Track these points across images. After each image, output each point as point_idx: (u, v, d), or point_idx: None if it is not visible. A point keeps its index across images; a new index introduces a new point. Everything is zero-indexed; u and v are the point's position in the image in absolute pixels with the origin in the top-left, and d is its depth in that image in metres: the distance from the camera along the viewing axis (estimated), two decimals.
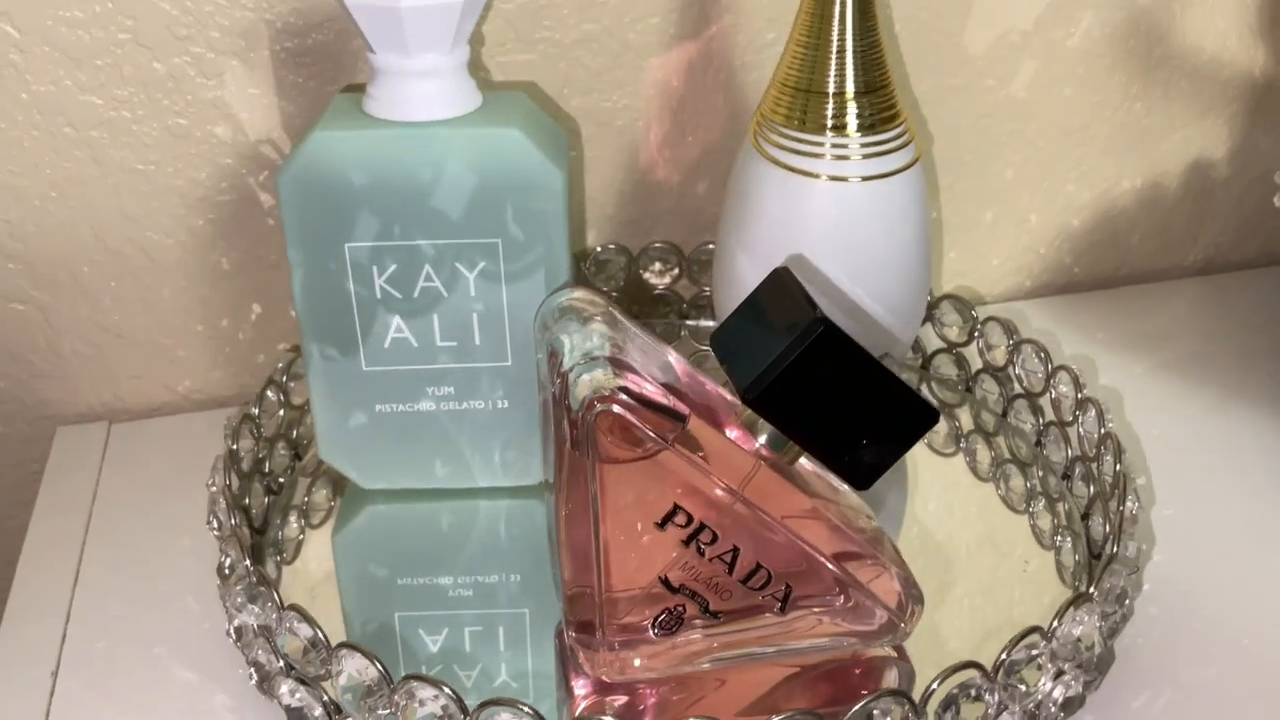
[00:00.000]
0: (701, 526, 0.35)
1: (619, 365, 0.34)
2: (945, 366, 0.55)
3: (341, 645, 0.35)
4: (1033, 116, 0.60)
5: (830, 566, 0.36)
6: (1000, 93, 0.59)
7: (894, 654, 0.40)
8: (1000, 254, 0.64)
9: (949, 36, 0.57)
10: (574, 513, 0.35)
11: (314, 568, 0.46)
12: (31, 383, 0.55)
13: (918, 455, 0.52)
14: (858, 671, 0.40)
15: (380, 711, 0.34)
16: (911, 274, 0.49)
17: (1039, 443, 0.50)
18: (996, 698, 0.35)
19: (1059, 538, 0.47)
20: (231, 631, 0.39)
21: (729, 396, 0.38)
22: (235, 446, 0.45)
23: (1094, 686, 0.37)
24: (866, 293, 0.48)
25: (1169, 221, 0.66)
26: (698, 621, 0.37)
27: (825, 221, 0.47)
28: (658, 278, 0.58)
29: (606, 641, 0.36)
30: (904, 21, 0.56)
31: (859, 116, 0.46)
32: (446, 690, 0.34)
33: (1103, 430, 0.44)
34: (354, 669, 0.34)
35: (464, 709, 0.33)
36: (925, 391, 0.55)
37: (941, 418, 0.53)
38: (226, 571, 0.39)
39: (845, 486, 0.38)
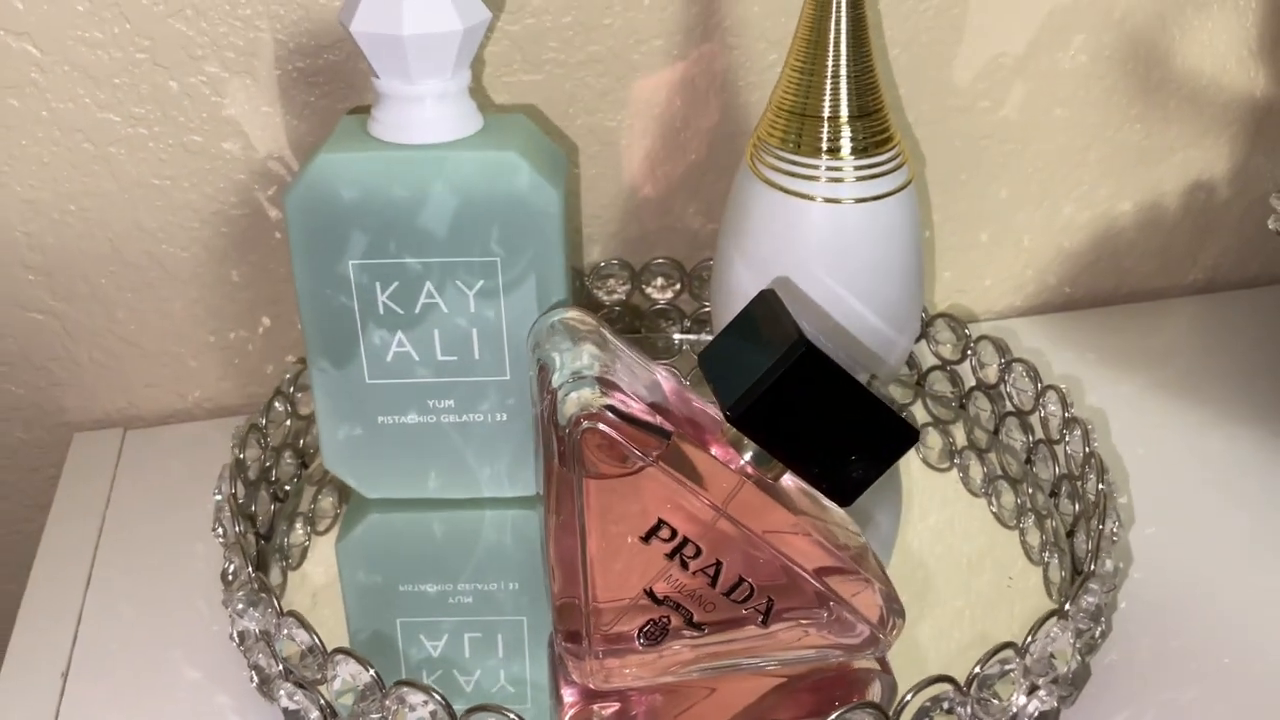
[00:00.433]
0: (685, 541, 0.36)
1: (606, 384, 0.36)
2: (940, 383, 0.56)
3: (337, 651, 0.36)
4: (1031, 138, 0.61)
5: (811, 581, 0.37)
6: (997, 114, 0.60)
7: (877, 666, 0.41)
8: (999, 272, 0.64)
9: (948, 59, 0.58)
10: (562, 525, 0.36)
11: (318, 573, 0.48)
12: (49, 390, 0.56)
13: (913, 470, 0.53)
14: (842, 683, 0.41)
15: (373, 716, 0.36)
16: (905, 293, 0.50)
17: (1029, 460, 0.51)
18: (970, 710, 0.36)
19: (1047, 554, 0.48)
20: (234, 635, 0.40)
21: (717, 414, 0.39)
22: (242, 456, 0.46)
23: (1069, 702, 0.38)
24: (861, 312, 0.49)
25: (1169, 242, 0.66)
26: (683, 633, 0.38)
27: (820, 242, 0.48)
28: (659, 293, 0.59)
29: (593, 650, 0.37)
30: (903, 45, 0.57)
31: (853, 140, 0.47)
32: (436, 696, 0.35)
33: (1087, 450, 0.45)
34: (348, 674, 0.36)
35: (452, 714, 0.35)
36: (920, 407, 0.56)
37: (935, 433, 0.55)
38: (230, 578, 0.41)
39: (830, 502, 0.39)
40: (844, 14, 0.46)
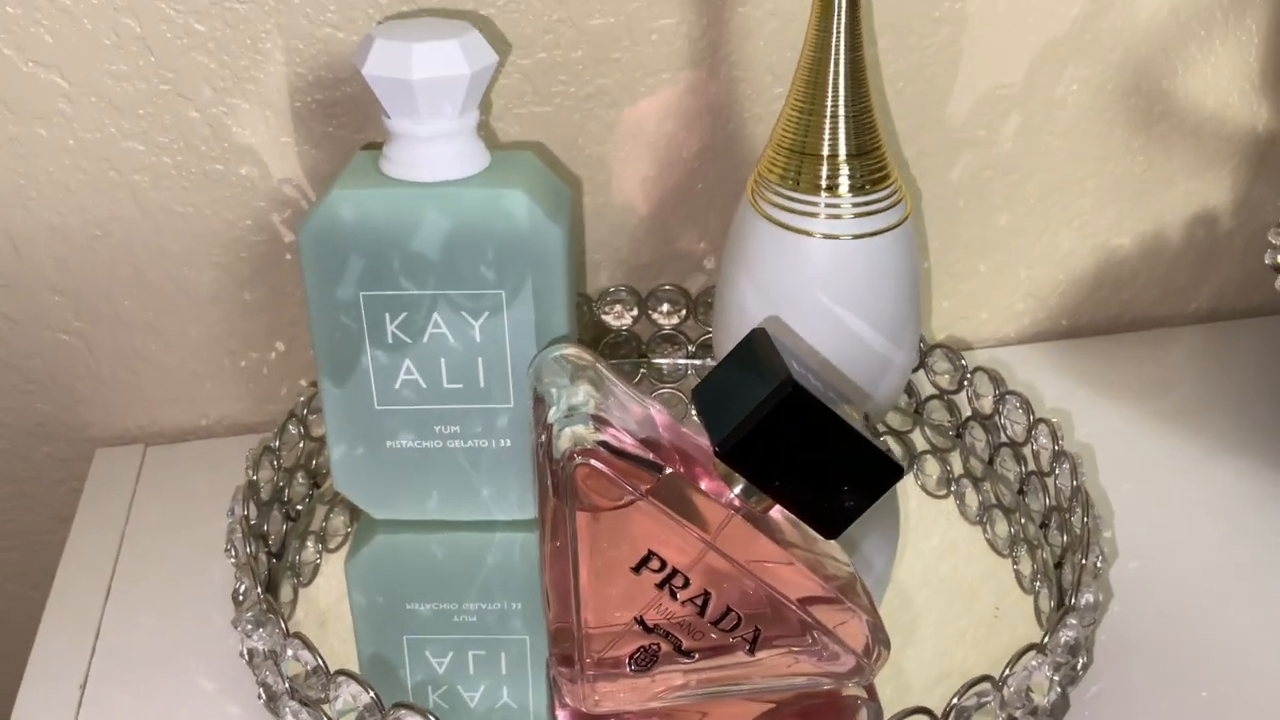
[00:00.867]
0: (674, 572, 0.37)
1: (600, 421, 0.37)
2: (937, 412, 0.57)
3: (339, 672, 0.38)
4: (1034, 169, 0.62)
5: (796, 611, 0.38)
6: (999, 146, 0.61)
7: (865, 694, 0.43)
8: (1001, 301, 0.66)
9: (951, 92, 0.59)
10: (556, 554, 0.38)
11: (328, 590, 0.49)
12: (74, 407, 0.58)
13: (911, 496, 0.54)
14: (830, 710, 0.42)
15: None
16: (903, 324, 0.51)
17: (1021, 491, 0.52)
18: None
19: (1037, 583, 0.49)
20: (244, 653, 0.42)
21: (709, 447, 0.40)
22: (255, 477, 0.48)
23: None
24: (860, 343, 0.51)
25: (1171, 272, 0.67)
26: (672, 659, 0.39)
27: (819, 276, 0.49)
28: (666, 318, 0.61)
29: (586, 675, 0.39)
30: (908, 79, 0.58)
31: (851, 178, 0.49)
32: (431, 718, 0.36)
33: (1074, 484, 0.46)
34: (349, 694, 0.37)
35: None
36: (919, 434, 0.58)
37: (933, 460, 0.56)
38: (240, 598, 0.42)
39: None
40: (843, 56, 0.47)
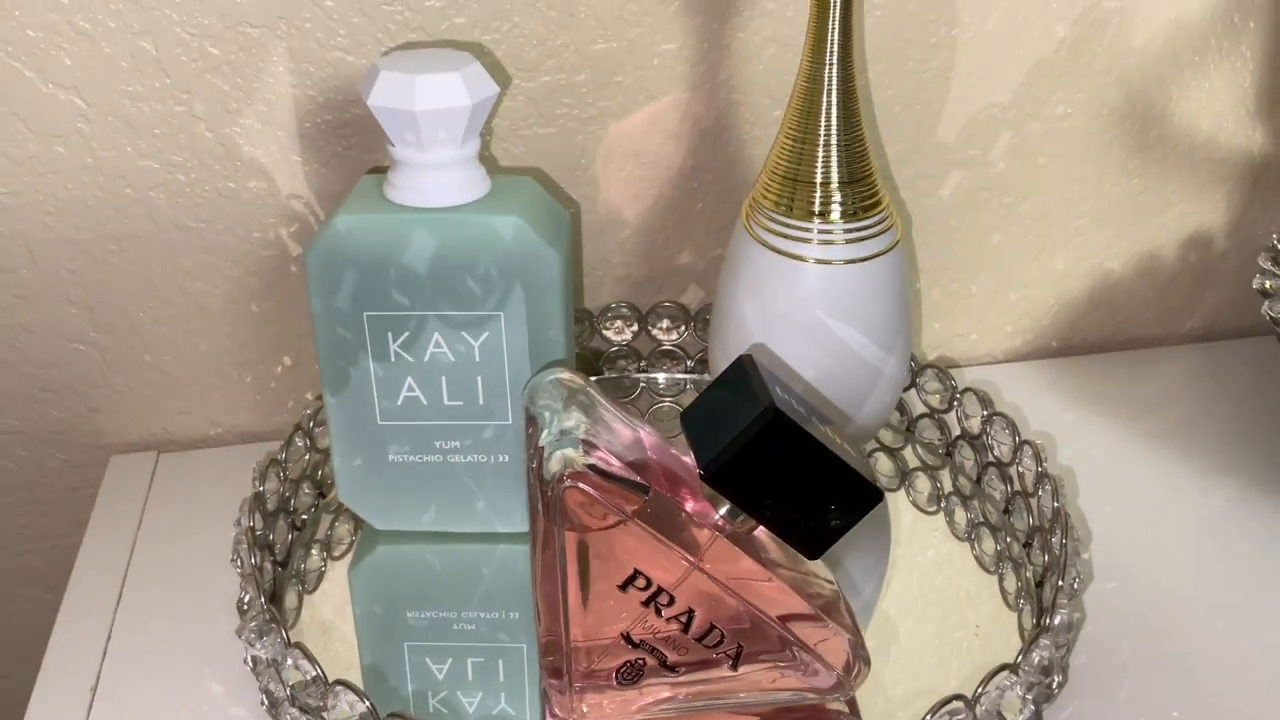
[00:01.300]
0: (659, 590, 0.39)
1: (590, 445, 0.39)
2: (929, 430, 0.59)
3: (337, 682, 0.39)
4: (1029, 190, 0.63)
5: (777, 628, 0.40)
6: (996, 168, 0.62)
7: (846, 709, 0.44)
8: (997, 319, 0.67)
9: (947, 114, 0.61)
10: (546, 570, 0.39)
11: (332, 597, 0.51)
12: (89, 415, 0.60)
13: (903, 512, 0.56)
14: None
15: None
16: (894, 346, 0.53)
17: (1007, 510, 0.53)
18: None
19: (1021, 601, 0.50)
20: (248, 660, 0.44)
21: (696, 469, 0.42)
22: (262, 489, 0.50)
23: None
24: (851, 363, 0.52)
25: (1166, 293, 0.68)
26: (657, 674, 0.41)
27: (812, 301, 0.51)
28: (665, 334, 0.62)
29: (574, 686, 0.40)
30: (904, 103, 0.60)
31: (843, 205, 0.50)
32: None
33: (1055, 505, 0.48)
34: (346, 703, 0.39)
35: None
36: (910, 453, 0.59)
37: (924, 477, 0.57)
38: (244, 607, 0.44)
39: None
40: (835, 87, 0.48)
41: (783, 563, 0.41)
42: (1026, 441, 0.51)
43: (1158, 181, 0.65)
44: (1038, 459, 0.50)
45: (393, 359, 0.48)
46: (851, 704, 0.44)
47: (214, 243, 0.57)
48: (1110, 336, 0.69)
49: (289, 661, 0.40)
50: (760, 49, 0.57)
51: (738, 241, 0.52)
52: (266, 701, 0.42)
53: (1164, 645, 0.48)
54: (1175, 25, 0.61)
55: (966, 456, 0.56)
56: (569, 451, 0.38)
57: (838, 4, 0.47)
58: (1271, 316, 0.56)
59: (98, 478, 0.59)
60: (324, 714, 0.40)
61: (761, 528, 0.40)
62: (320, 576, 0.52)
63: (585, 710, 0.41)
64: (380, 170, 0.49)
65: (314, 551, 0.53)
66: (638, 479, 0.39)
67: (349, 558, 0.53)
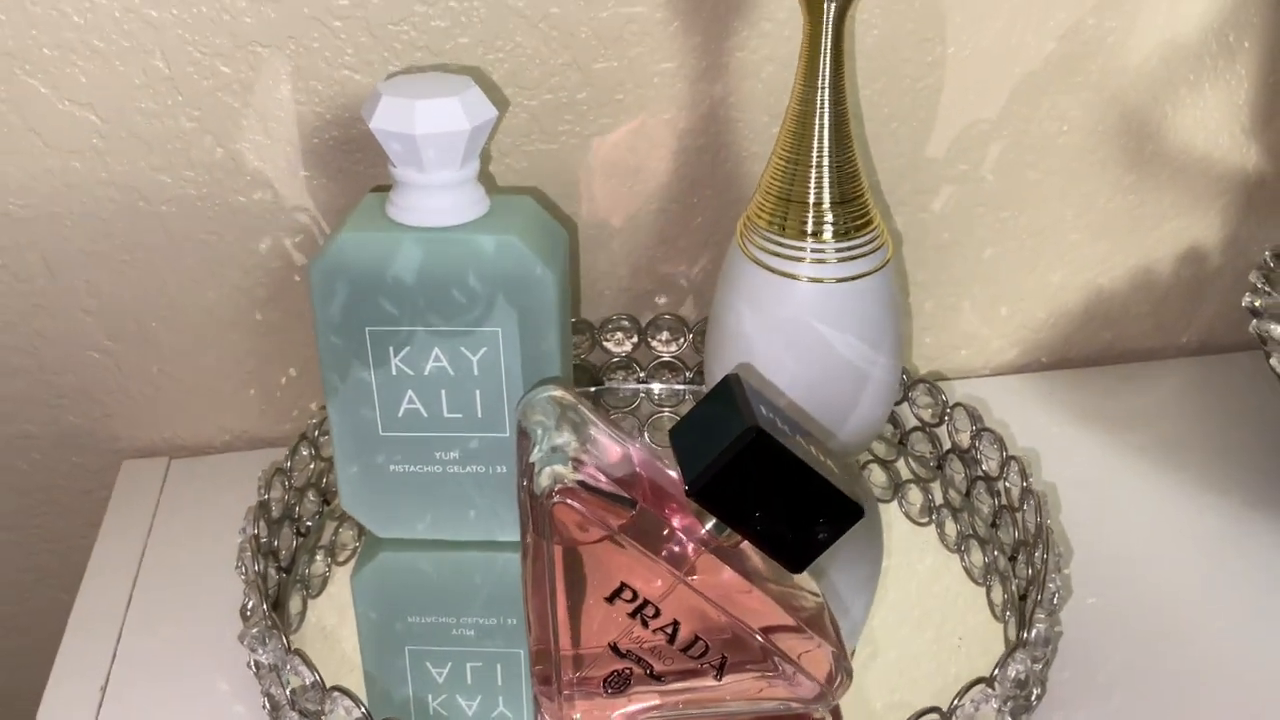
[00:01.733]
0: (645, 603, 0.40)
1: (579, 462, 0.40)
2: (920, 443, 0.60)
3: (334, 688, 0.41)
4: (1025, 205, 0.64)
5: (760, 640, 0.41)
6: (991, 183, 0.63)
7: (829, 718, 0.45)
8: (994, 331, 0.68)
9: (942, 131, 0.62)
10: (536, 582, 0.41)
11: (336, 602, 0.52)
12: (103, 420, 0.62)
13: (896, 523, 0.57)
14: None
15: None
16: (885, 361, 0.54)
17: (994, 524, 0.54)
18: None
19: (1008, 613, 0.51)
20: (251, 664, 0.45)
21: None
22: (266, 497, 0.51)
23: None
24: (843, 378, 0.53)
25: (1161, 307, 0.69)
26: (644, 682, 0.42)
27: (805, 318, 0.52)
28: (664, 346, 0.63)
29: (563, 694, 0.42)
30: (901, 119, 0.61)
31: (834, 224, 0.51)
32: None
33: (1038, 520, 0.49)
34: (343, 708, 0.40)
35: None
36: (902, 465, 0.60)
37: (916, 489, 0.58)
38: (248, 614, 0.46)
39: None
40: (827, 110, 0.50)
41: (767, 576, 0.42)
42: (1013, 457, 0.52)
43: (1153, 196, 0.66)
44: (1023, 475, 0.51)
45: (394, 372, 0.49)
46: (835, 712, 0.45)
47: (224, 254, 0.58)
48: (1105, 350, 0.70)
49: (289, 667, 0.42)
50: (758, 68, 0.58)
51: (733, 258, 0.54)
52: (268, 705, 0.44)
53: (1150, 660, 0.49)
54: (1170, 44, 0.62)
55: (957, 470, 0.57)
56: (559, 468, 0.40)
57: (830, 30, 0.48)
58: (1260, 334, 0.57)
59: (111, 482, 0.61)
60: (322, 718, 0.41)
61: (746, 542, 0.42)
62: (324, 581, 0.54)
63: (576, 717, 0.42)
64: (383, 189, 0.50)
65: (318, 557, 0.55)
66: (625, 494, 0.40)
67: (353, 563, 0.54)
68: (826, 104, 0.49)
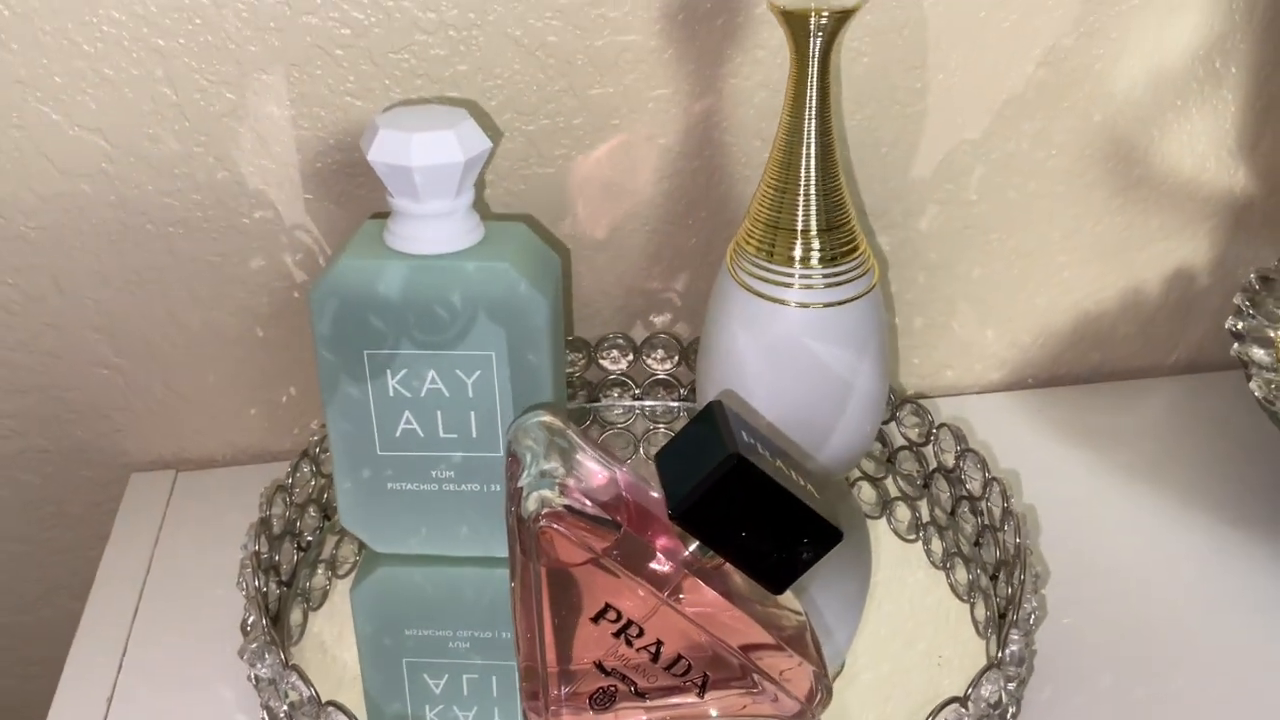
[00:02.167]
0: (629, 623, 0.42)
1: (565, 487, 0.41)
2: (908, 462, 0.61)
3: (329, 703, 0.42)
4: (1014, 228, 0.65)
5: (740, 659, 0.42)
6: (982, 206, 0.65)
7: None
8: (983, 351, 0.69)
9: (934, 155, 0.63)
10: (524, 602, 0.42)
11: (336, 614, 0.54)
12: (111, 435, 0.64)
13: (885, 539, 0.58)
14: None
15: None
16: (871, 383, 0.55)
17: (977, 543, 0.56)
18: None
19: (989, 630, 0.52)
20: (251, 678, 0.47)
21: None
22: (268, 514, 0.53)
23: None
24: (830, 400, 0.54)
25: (1150, 327, 0.70)
26: (629, 699, 0.43)
27: (794, 342, 0.53)
28: (659, 364, 0.65)
29: (551, 710, 0.43)
30: (890, 144, 0.62)
31: (821, 251, 0.52)
32: None
33: (1017, 541, 0.50)
34: None
35: None
36: (890, 483, 0.61)
37: (904, 507, 0.60)
38: (248, 629, 0.47)
39: None
40: (814, 140, 0.51)
41: (750, 596, 0.44)
42: (994, 478, 0.54)
43: (1141, 219, 0.67)
44: (1004, 496, 0.53)
45: (391, 393, 0.51)
46: None
47: (229, 275, 0.60)
48: (1094, 369, 0.71)
49: (287, 682, 0.43)
50: (751, 94, 0.60)
51: (723, 283, 0.55)
52: (267, 718, 0.46)
53: (1130, 680, 0.50)
54: (1157, 70, 0.63)
55: (942, 489, 0.59)
56: (546, 493, 0.41)
57: (815, 64, 0.49)
58: (1241, 358, 0.58)
59: (119, 494, 0.63)
60: None
61: (729, 564, 0.43)
62: (325, 594, 0.55)
63: None
64: (382, 215, 0.52)
65: (319, 570, 0.56)
66: (611, 518, 0.41)
67: (353, 576, 0.56)
68: (813, 134, 0.51)
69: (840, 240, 0.53)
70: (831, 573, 0.55)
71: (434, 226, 0.48)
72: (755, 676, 0.43)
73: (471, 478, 0.53)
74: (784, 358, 0.53)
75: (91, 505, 0.66)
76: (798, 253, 0.52)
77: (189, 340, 0.61)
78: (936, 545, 0.58)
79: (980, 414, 0.66)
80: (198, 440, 0.64)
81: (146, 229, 0.59)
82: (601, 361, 0.65)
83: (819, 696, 0.44)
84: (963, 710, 0.42)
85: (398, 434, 0.52)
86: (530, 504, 0.41)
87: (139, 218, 0.58)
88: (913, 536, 0.59)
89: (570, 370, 0.65)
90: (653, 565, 0.42)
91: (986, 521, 0.55)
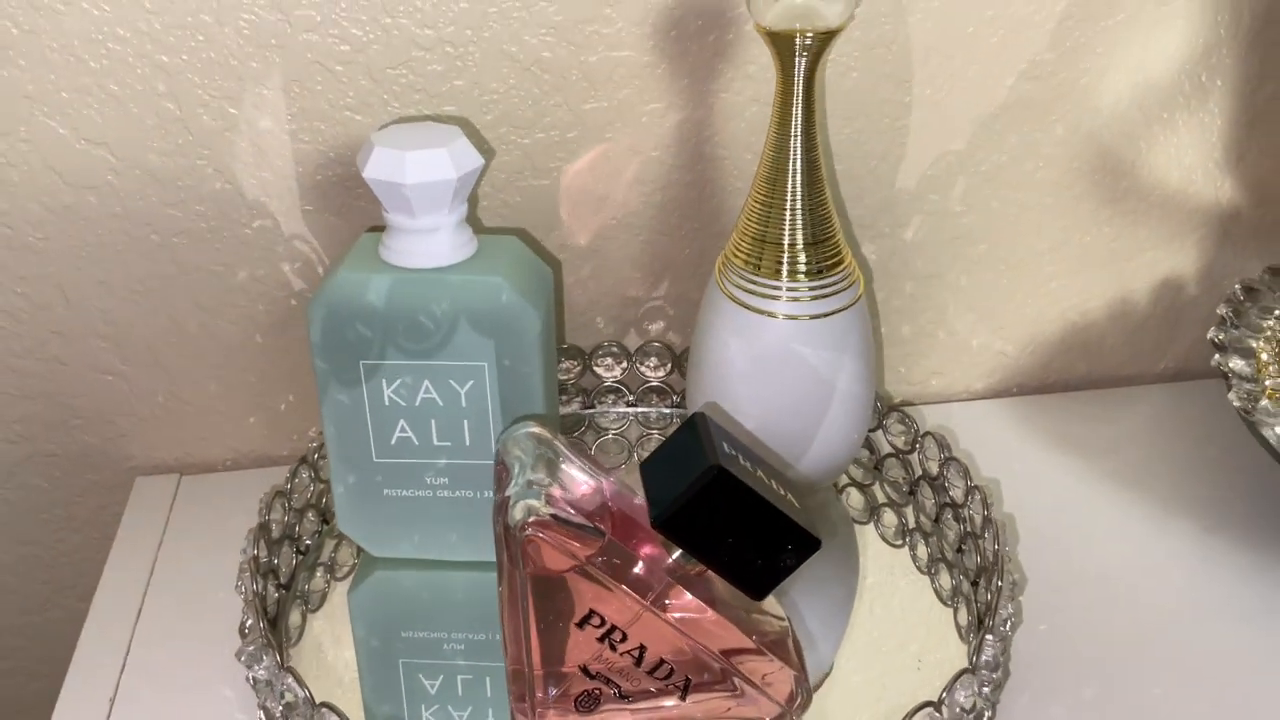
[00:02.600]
0: (613, 628, 0.43)
1: (552, 496, 0.43)
2: (894, 469, 0.62)
3: (323, 704, 0.44)
4: (1002, 239, 0.67)
5: (721, 664, 0.44)
6: (972, 217, 0.66)
7: None
8: (972, 358, 0.70)
9: (923, 168, 0.64)
10: (511, 607, 0.43)
11: (334, 616, 0.55)
12: (117, 439, 0.65)
13: (874, 545, 0.59)
14: None
15: None
16: (858, 392, 0.56)
17: (960, 548, 0.57)
18: None
19: (972, 635, 0.54)
20: (249, 679, 0.48)
21: None
22: (267, 519, 0.54)
23: None
24: (816, 409, 0.56)
25: (1138, 335, 0.71)
26: (613, 701, 0.45)
27: (781, 353, 0.54)
28: (652, 372, 0.66)
29: (538, 713, 0.45)
30: (879, 156, 0.63)
31: (808, 264, 0.54)
32: None
33: (995, 548, 0.51)
34: None
35: None
36: (876, 490, 0.63)
37: (891, 512, 0.61)
38: (245, 631, 0.49)
39: None
40: (800, 156, 0.52)
41: (731, 602, 0.45)
42: (976, 486, 0.55)
43: (1129, 230, 0.68)
44: (984, 504, 0.54)
45: (386, 403, 0.52)
46: None
47: (231, 284, 0.61)
48: (1083, 377, 0.72)
49: (283, 683, 0.45)
50: (742, 108, 0.61)
51: (712, 295, 0.56)
52: (264, 718, 0.47)
53: (1110, 685, 0.51)
54: (1144, 84, 0.64)
55: (927, 496, 0.60)
56: (532, 502, 0.42)
57: (800, 84, 0.51)
58: (1222, 370, 0.59)
59: (124, 498, 0.64)
60: None
61: (711, 571, 0.44)
62: (324, 597, 0.57)
63: None
64: (379, 229, 0.53)
65: (318, 573, 0.58)
66: (595, 526, 0.43)
67: (350, 578, 0.57)
68: (799, 151, 0.52)
69: (826, 254, 0.54)
70: (820, 577, 0.56)
71: (428, 241, 0.50)
72: (736, 680, 0.44)
73: (465, 484, 0.54)
74: (772, 368, 0.55)
75: (97, 508, 0.67)
76: (784, 266, 0.54)
77: (191, 347, 0.63)
78: (922, 551, 0.59)
79: (967, 421, 0.67)
80: (200, 445, 0.66)
81: (151, 239, 0.60)
82: (595, 369, 0.66)
83: (799, 699, 0.46)
84: (936, 715, 0.44)
85: (393, 441, 0.53)
86: (516, 513, 0.42)
87: (143, 228, 0.60)
88: (899, 542, 0.60)
89: (565, 377, 0.66)
90: (636, 572, 0.43)
91: (968, 528, 0.56)
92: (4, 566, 0.69)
